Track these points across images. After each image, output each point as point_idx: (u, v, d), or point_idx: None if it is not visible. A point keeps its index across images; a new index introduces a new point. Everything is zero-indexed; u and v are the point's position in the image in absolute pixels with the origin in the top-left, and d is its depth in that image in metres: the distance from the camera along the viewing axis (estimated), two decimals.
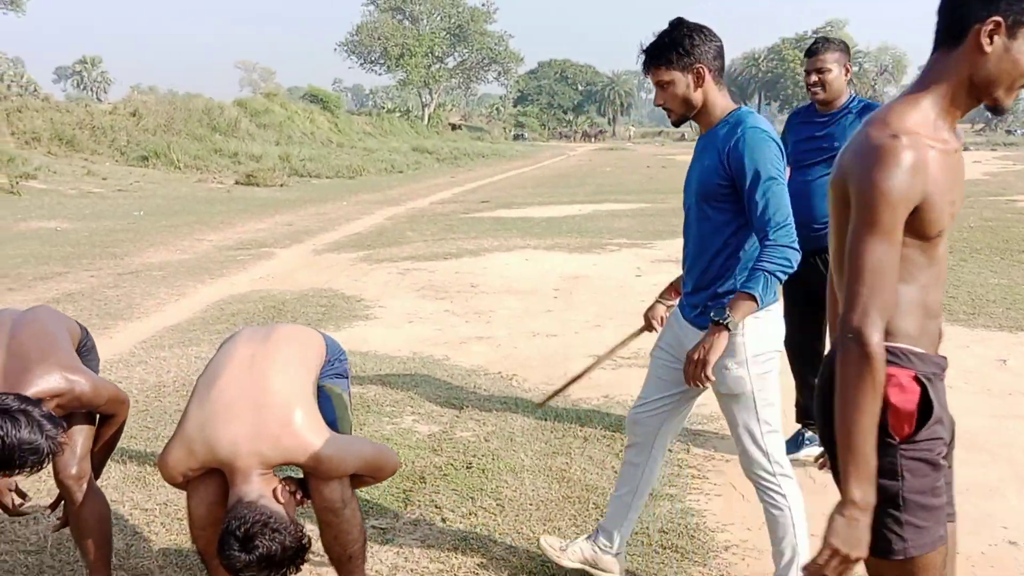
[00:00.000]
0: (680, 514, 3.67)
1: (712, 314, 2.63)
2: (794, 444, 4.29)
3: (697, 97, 2.69)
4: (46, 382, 2.63)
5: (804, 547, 2.83)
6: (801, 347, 4.28)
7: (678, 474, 4.10)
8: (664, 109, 2.75)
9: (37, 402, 2.49)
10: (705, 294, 2.79)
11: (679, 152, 54.41)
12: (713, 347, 2.60)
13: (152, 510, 3.70)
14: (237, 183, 24.57)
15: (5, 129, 25.68)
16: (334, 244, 12.51)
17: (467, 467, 4.15)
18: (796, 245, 2.59)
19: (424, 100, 69.29)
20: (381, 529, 3.56)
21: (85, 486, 2.79)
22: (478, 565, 3.26)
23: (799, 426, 4.37)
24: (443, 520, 3.62)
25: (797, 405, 4.38)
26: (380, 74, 67.66)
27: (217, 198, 20.40)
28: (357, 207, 18.76)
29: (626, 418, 3.15)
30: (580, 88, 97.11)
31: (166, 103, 34.81)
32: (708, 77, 2.68)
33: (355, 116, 52.69)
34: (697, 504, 3.79)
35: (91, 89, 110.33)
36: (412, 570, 3.23)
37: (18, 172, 20.80)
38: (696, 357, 2.63)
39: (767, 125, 2.69)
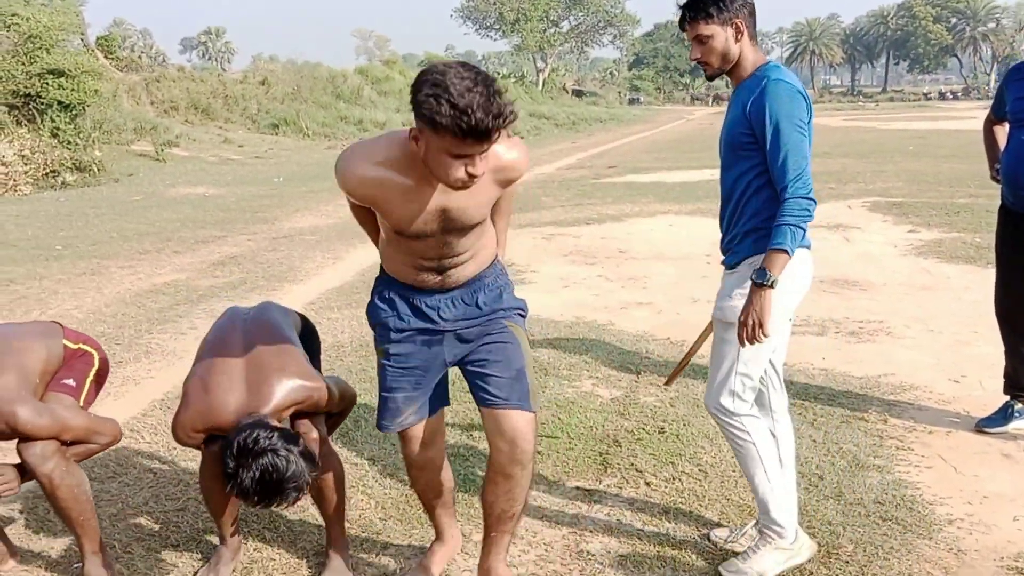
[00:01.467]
0: (893, 486, 3.55)
1: (753, 276, 2.64)
2: (1002, 416, 4.09)
3: (735, 51, 2.72)
4: (287, 394, 2.70)
5: (780, 488, 2.87)
6: (1013, 314, 4.07)
7: (880, 444, 3.97)
8: (700, 64, 2.78)
9: (296, 438, 2.57)
10: (730, 236, 2.85)
11: None
12: (762, 307, 2.62)
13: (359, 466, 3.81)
14: None
15: (145, 99, 26.79)
16: None
17: (660, 432, 4.11)
18: (812, 194, 2.61)
19: (538, 65, 68.94)
20: (586, 491, 3.56)
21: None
22: (692, 530, 3.23)
23: (1006, 398, 4.16)
24: (647, 484, 3.60)
25: (1006, 375, 4.18)
26: (495, 39, 67.53)
27: None
28: None
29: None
30: None
31: (292, 72, 35.70)
32: (745, 31, 2.71)
33: None
34: (908, 476, 3.66)
35: (216, 59, 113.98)
36: (627, 532, 3.22)
37: (162, 140, 21.70)
38: (749, 320, 2.65)
39: (792, 78, 2.69)
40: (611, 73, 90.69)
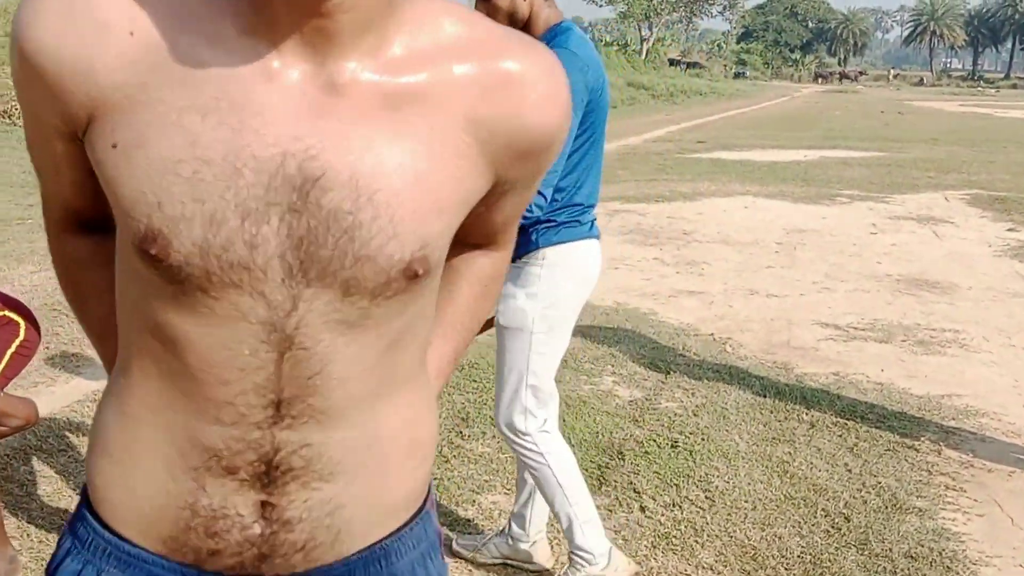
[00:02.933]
0: (932, 535, 3.01)
1: None
2: None
3: (524, 8, 2.30)
4: None
5: (583, 508, 2.52)
6: None
7: (927, 482, 3.42)
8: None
9: None
10: None
11: (916, 97, 50.39)
12: None
13: None
14: None
15: None
16: None
17: (672, 446, 3.64)
18: (543, 187, 2.20)
19: (643, 34, 67.45)
20: None
21: None
22: (680, 572, 2.77)
23: None
24: (642, 508, 3.14)
25: None
26: (600, 5, 66.21)
27: None
28: None
29: None
30: (810, 25, 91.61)
31: None
32: None
33: None
34: (953, 524, 3.12)
35: None
36: None
37: None
38: None
39: (580, 46, 2.25)
40: (718, 45, 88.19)
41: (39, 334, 2.74)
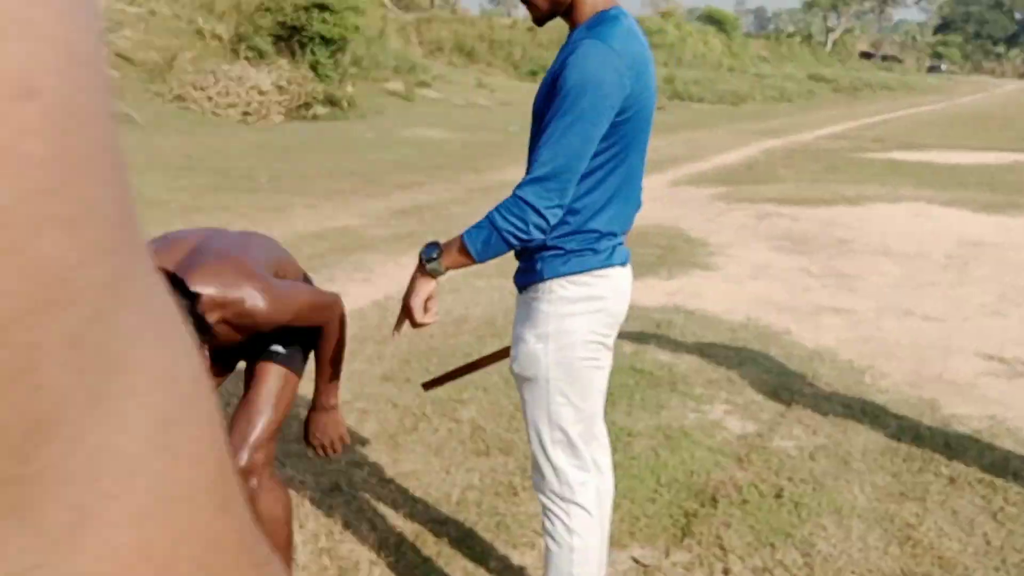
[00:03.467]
0: None
1: (422, 249, 2.04)
2: None
3: None
4: (210, 281, 2.03)
5: None
6: None
7: None
8: (525, 3, 2.04)
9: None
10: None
11: None
12: (411, 289, 2.05)
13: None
14: None
15: (415, 38, 27.49)
16: (695, 176, 11.58)
17: (776, 495, 3.18)
18: (544, 209, 1.88)
19: (829, 24, 64.39)
20: (641, 565, 2.76)
21: None
22: None
23: None
24: (725, 571, 2.72)
25: None
26: None
27: None
28: (733, 136, 17.56)
29: None
30: (1017, 16, 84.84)
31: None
32: None
33: (752, 39, 50.35)
34: None
35: (504, 4, 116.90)
36: None
37: (417, 80, 22.09)
38: (404, 303, 2.08)
39: (626, 43, 1.90)
40: (913, 37, 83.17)
41: None
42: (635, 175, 2.06)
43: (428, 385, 2.54)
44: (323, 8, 18.72)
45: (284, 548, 2.32)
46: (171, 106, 15.21)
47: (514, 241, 1.92)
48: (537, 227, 1.90)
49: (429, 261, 1.99)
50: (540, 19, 2.02)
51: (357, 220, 7.77)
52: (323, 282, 5.62)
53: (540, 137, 1.93)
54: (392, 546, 2.80)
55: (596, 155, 1.95)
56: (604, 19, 1.93)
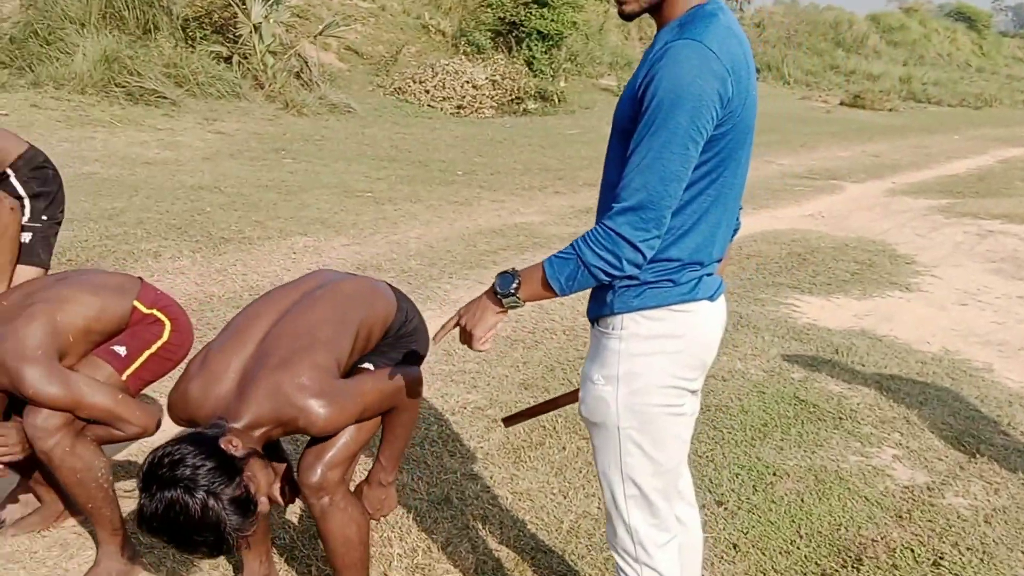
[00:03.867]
0: None
1: (496, 279, 1.81)
2: None
3: None
4: (272, 408, 2.03)
5: None
6: None
7: None
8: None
9: (234, 475, 1.91)
10: None
11: None
12: (478, 317, 1.82)
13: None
14: (842, 103, 22.99)
15: (635, 34, 27.16)
16: (916, 186, 10.65)
17: (933, 563, 2.76)
18: (640, 242, 1.65)
19: None
20: None
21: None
22: None
23: None
24: None
25: None
26: None
27: (813, 117, 19.15)
28: (968, 143, 16.09)
29: None
30: None
31: (792, 15, 33.89)
32: None
33: (1007, 39, 46.12)
34: None
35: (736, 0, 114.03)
36: None
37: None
38: (463, 322, 1.85)
39: (724, 43, 1.64)
40: None
41: (190, 339, 2.64)
42: (730, 195, 1.79)
43: (508, 421, 2.36)
44: (542, 4, 18.83)
45: (354, 570, 2.22)
46: (390, 98, 15.78)
47: (604, 277, 1.69)
48: (631, 263, 1.66)
49: (506, 296, 1.77)
50: (629, 14, 1.78)
51: (539, 217, 7.67)
52: (487, 278, 5.57)
53: (627, 158, 1.68)
54: (489, 572, 2.65)
55: (691, 169, 1.70)
56: (699, 16, 1.67)
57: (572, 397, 2.26)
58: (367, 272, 5.62)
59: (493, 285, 1.79)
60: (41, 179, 2.85)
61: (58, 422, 2.25)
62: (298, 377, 2.02)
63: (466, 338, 1.85)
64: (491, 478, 3.18)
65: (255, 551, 2.41)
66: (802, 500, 3.12)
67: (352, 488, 2.33)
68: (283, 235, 6.35)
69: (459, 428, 3.54)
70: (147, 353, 2.48)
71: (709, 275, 1.82)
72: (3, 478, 2.42)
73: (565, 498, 3.08)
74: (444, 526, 2.87)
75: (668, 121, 1.62)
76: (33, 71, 11.01)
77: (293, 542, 2.73)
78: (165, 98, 11.34)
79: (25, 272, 2.79)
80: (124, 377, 2.42)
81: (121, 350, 2.44)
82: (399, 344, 2.37)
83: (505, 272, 1.78)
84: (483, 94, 16.89)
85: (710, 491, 3.18)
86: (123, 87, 11.15)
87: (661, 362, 1.78)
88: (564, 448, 3.42)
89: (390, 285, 2.48)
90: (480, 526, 2.88)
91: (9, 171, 2.79)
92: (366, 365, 2.31)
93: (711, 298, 1.81)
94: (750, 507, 3.08)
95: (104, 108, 10.57)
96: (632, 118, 1.71)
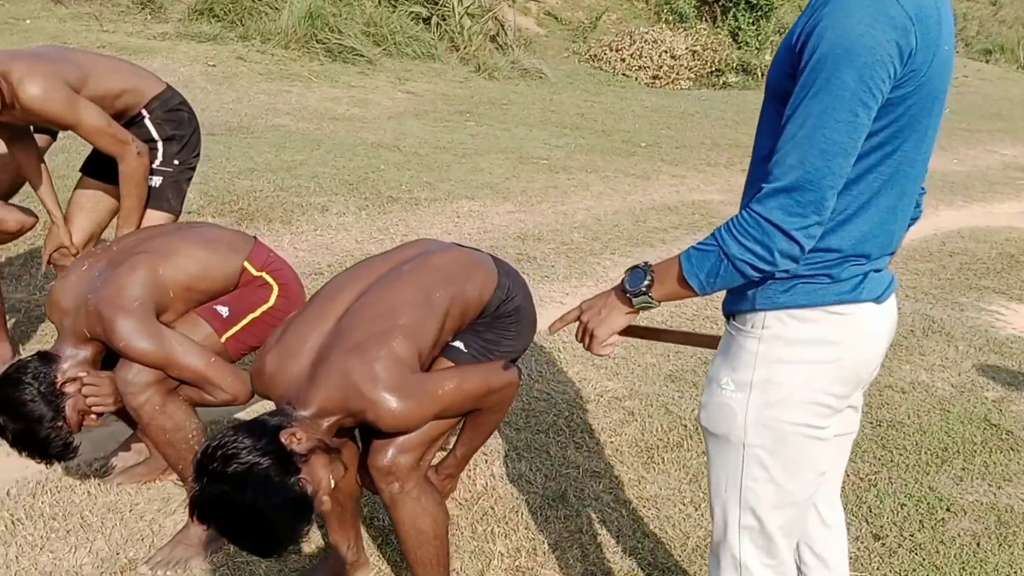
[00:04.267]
0: None
1: (626, 274, 1.54)
2: None
3: None
4: (341, 398, 1.88)
5: None
6: None
7: None
8: None
9: (290, 470, 1.77)
10: None
11: None
12: (606, 316, 1.57)
13: None
14: None
15: None
16: None
17: None
18: (796, 230, 1.34)
19: None
20: None
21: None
22: None
23: None
24: None
25: None
26: None
27: None
28: None
29: None
30: None
31: None
32: None
33: None
34: None
35: None
36: None
37: None
38: (585, 318, 1.61)
39: None
40: None
41: (299, 306, 2.51)
42: (910, 174, 1.44)
43: (628, 331, 2.01)
44: None
45: (429, 567, 2.02)
46: (584, 66, 15.51)
47: (752, 273, 1.41)
48: (786, 255, 1.38)
49: (636, 294, 1.52)
50: None
51: (719, 195, 7.22)
52: (659, 256, 5.25)
53: (781, 126, 1.38)
54: None
55: (860, 139, 1.37)
56: None
57: (712, 342, 1.94)
58: (526, 242, 5.42)
59: (622, 281, 1.54)
60: (176, 122, 2.80)
61: (148, 378, 2.17)
62: (372, 365, 1.83)
63: (586, 339, 1.61)
64: (616, 478, 2.91)
65: (343, 535, 2.26)
66: (978, 544, 2.67)
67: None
68: (450, 198, 6.25)
69: (591, 418, 3.28)
70: (250, 317, 2.37)
71: (877, 271, 1.50)
72: (96, 427, 2.38)
73: (696, 510, 2.77)
74: (555, 526, 2.63)
75: (832, 80, 1.32)
76: (243, 25, 11.48)
77: (389, 527, 2.58)
78: (362, 56, 11.56)
79: (153, 218, 2.75)
80: (223, 339, 2.32)
81: (224, 311, 2.34)
82: (497, 325, 2.13)
83: (636, 267, 1.53)
84: (681, 64, 16.31)
85: (867, 521, 2.78)
86: (323, 43, 11.46)
87: (807, 372, 1.47)
88: (704, 454, 3.10)
89: (495, 258, 2.24)
90: (595, 531, 2.63)
91: (144, 112, 2.75)
92: (457, 344, 2.09)
93: (878, 300, 1.49)
94: (913, 545, 2.67)
95: (304, 64, 10.89)
96: (789, 76, 1.40)
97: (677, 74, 16.23)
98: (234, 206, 5.42)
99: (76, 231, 2.81)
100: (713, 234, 1.44)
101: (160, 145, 2.78)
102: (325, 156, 7.06)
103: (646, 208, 6.58)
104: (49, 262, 2.85)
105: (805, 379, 1.48)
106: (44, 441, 2.12)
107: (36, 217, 3.02)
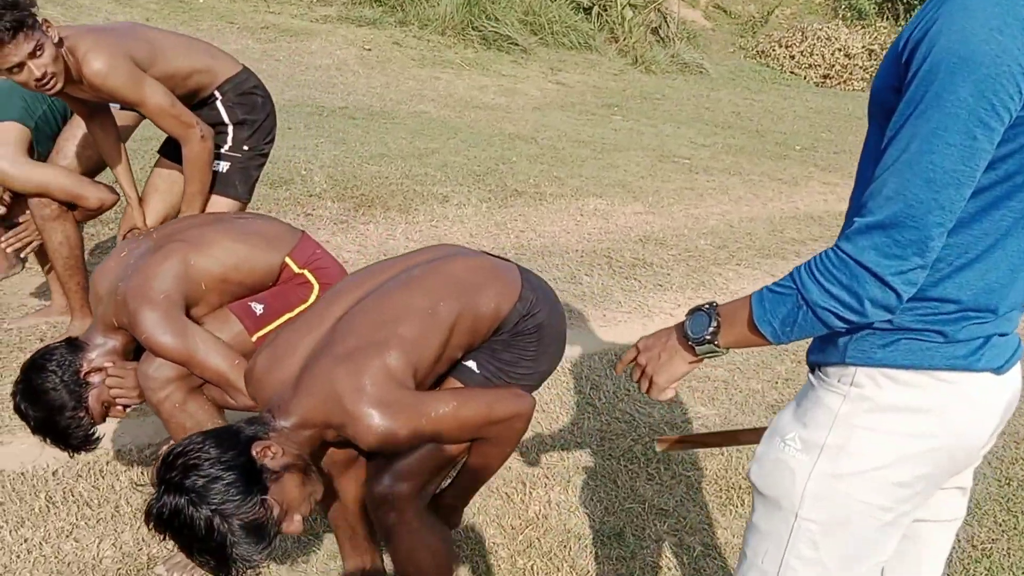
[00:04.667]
0: None
1: (687, 316, 1.34)
2: None
3: None
4: (324, 409, 1.71)
5: None
6: None
7: None
8: None
9: (256, 488, 1.62)
10: None
11: None
12: (666, 362, 1.38)
13: None
14: None
15: None
16: None
17: None
18: (892, 276, 1.11)
19: None
20: None
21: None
22: None
23: None
24: None
25: None
26: None
27: None
28: None
29: None
30: None
31: None
32: None
33: None
34: None
35: None
36: None
37: None
38: (643, 359, 1.41)
39: None
40: None
41: None
42: None
43: (663, 442, 1.80)
44: None
45: None
46: (750, 62, 14.90)
47: (837, 323, 1.18)
48: (879, 304, 1.14)
49: (700, 342, 1.31)
50: None
51: None
52: (782, 271, 4.88)
53: (881, 150, 1.15)
54: None
55: (978, 172, 1.12)
56: None
57: (756, 436, 1.69)
58: (647, 246, 5.16)
59: (683, 324, 1.34)
60: (248, 106, 2.72)
61: (170, 374, 2.09)
62: (360, 377, 1.66)
63: (644, 383, 1.42)
64: (684, 519, 2.65)
65: (358, 559, 2.12)
66: None
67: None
68: (577, 195, 6.04)
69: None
70: (286, 316, 2.25)
71: (1003, 336, 1.22)
72: (121, 418, 2.33)
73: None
74: (605, 568, 2.41)
75: (944, 95, 1.08)
76: (403, 10, 11.61)
77: None
78: (517, 45, 11.48)
79: (218, 204, 2.69)
80: (254, 338, 2.21)
81: (258, 308, 2.23)
82: (515, 343, 1.90)
83: (699, 308, 1.32)
84: (855, 64, 15.42)
85: None
86: (479, 31, 11.44)
87: (893, 446, 1.23)
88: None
89: (523, 269, 2.01)
90: None
91: (216, 93, 2.69)
92: (469, 363, 1.89)
93: (998, 370, 1.22)
94: None
95: (458, 51, 10.91)
96: (895, 90, 1.16)
97: (850, 74, 15.37)
98: (356, 191, 5.40)
99: (150, 213, 2.79)
100: (791, 274, 1.21)
101: (230, 129, 2.71)
102: (459, 145, 6.99)
103: (786, 216, 6.16)
104: None
105: (889, 454, 1.23)
106: (64, 431, 2.08)
107: (117, 195, 3.03)
